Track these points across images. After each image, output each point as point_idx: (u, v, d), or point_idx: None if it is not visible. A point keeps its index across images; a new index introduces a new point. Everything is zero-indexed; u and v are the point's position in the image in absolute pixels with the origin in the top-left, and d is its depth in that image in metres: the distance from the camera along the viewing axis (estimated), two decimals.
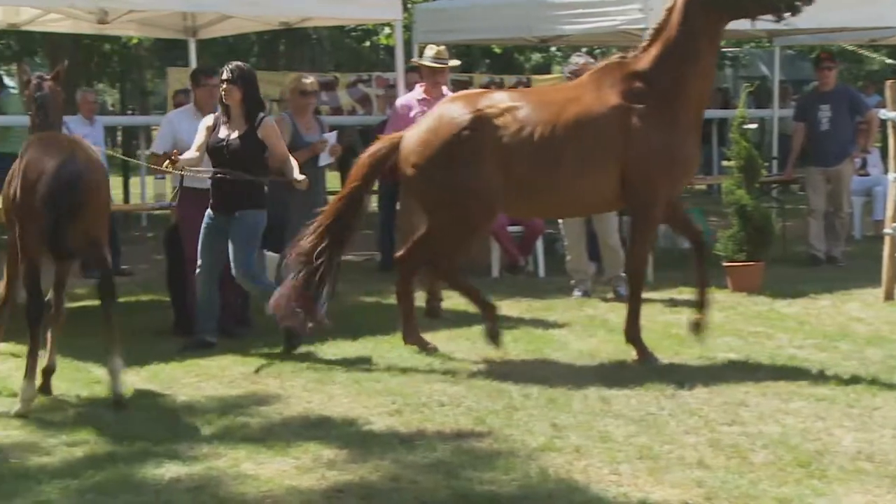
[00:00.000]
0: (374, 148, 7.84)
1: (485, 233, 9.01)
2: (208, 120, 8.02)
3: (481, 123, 7.45)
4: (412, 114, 9.13)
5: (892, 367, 7.12)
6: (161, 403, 6.63)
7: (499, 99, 7.63)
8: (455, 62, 9.50)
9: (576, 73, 9.97)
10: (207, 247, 8.03)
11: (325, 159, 8.86)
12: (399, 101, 9.42)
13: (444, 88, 9.35)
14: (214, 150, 7.92)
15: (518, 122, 7.42)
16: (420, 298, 9.27)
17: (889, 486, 5.01)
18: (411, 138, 7.65)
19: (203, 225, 8.04)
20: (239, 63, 7.97)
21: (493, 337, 7.62)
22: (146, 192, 15.70)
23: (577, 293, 10.01)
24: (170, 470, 5.37)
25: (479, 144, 7.42)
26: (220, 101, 7.92)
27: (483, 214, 7.65)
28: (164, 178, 10.68)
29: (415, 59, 9.32)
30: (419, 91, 9.25)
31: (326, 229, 7.64)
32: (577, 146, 7.36)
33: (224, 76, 7.85)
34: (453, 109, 7.59)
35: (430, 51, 9.25)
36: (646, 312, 9.09)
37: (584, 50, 12.84)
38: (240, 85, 7.80)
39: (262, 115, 7.92)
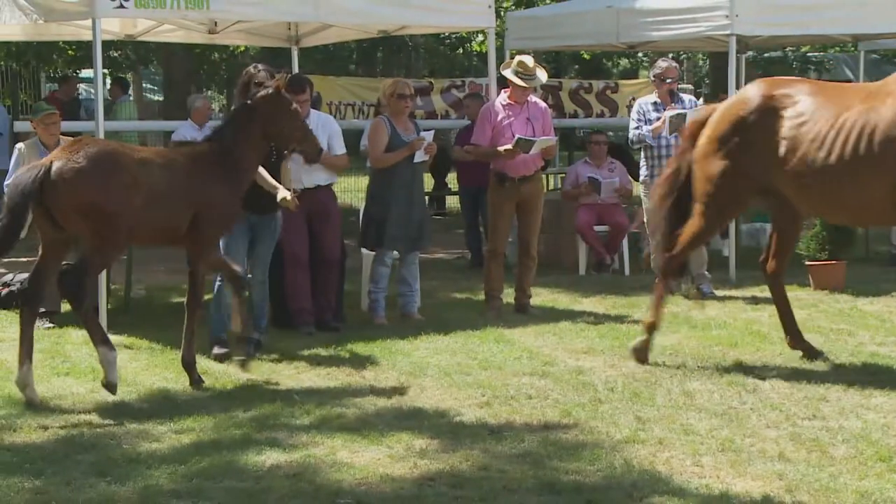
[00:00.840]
0: (696, 115, 7.56)
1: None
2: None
3: (767, 110, 6.89)
4: (498, 118, 9.08)
5: None
6: (262, 394, 6.70)
7: (797, 89, 6.96)
8: (542, 76, 9.27)
9: (660, 77, 9.87)
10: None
11: (419, 157, 8.87)
12: (486, 106, 9.40)
13: (532, 95, 9.27)
14: None
15: (802, 115, 6.78)
16: (509, 295, 9.27)
17: None
18: (717, 110, 7.21)
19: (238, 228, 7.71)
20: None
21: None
22: None
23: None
24: (270, 457, 5.42)
25: (760, 131, 6.87)
26: None
27: (735, 203, 7.22)
28: None
29: (503, 71, 9.22)
30: (504, 96, 9.20)
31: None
32: (854, 149, 6.62)
33: None
34: (750, 91, 7.13)
35: (518, 65, 9.01)
36: (728, 309, 9.02)
37: (670, 55, 12.69)
38: None
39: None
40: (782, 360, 7.20)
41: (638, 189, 12.41)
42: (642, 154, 10.01)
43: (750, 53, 16.32)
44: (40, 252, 6.65)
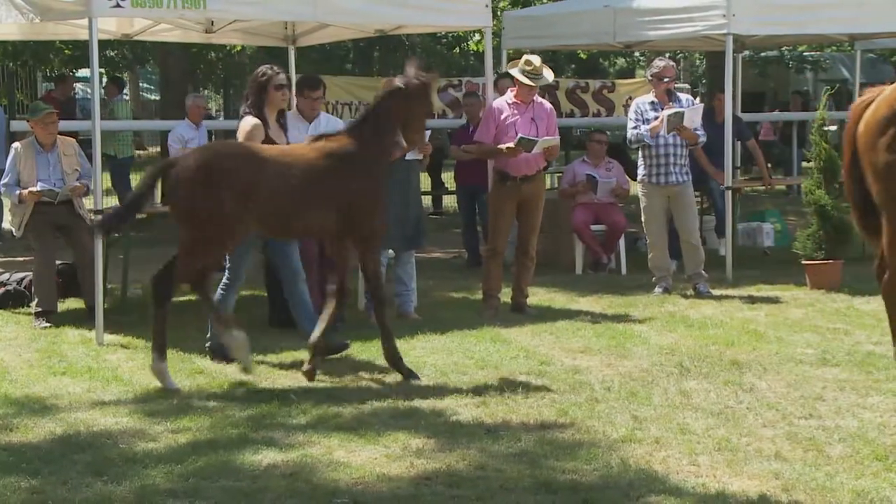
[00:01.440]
0: (862, 97, 7.00)
1: None
2: None
3: None
4: (502, 117, 9.10)
5: None
6: (259, 393, 6.70)
7: None
8: (549, 76, 9.27)
9: (657, 76, 9.87)
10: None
11: (412, 155, 8.87)
12: (491, 104, 9.41)
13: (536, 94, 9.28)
14: None
15: None
16: (505, 294, 9.27)
17: None
18: (883, 95, 6.61)
19: None
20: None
21: None
22: None
23: (658, 290, 9.91)
24: (267, 456, 5.42)
25: None
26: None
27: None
28: None
29: (510, 70, 9.23)
30: (510, 95, 9.22)
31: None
32: None
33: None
34: None
35: (526, 65, 9.05)
36: (724, 309, 9.03)
37: (667, 54, 12.69)
38: None
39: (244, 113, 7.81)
40: (779, 360, 7.20)
41: (635, 189, 12.43)
42: (640, 153, 10.01)
43: (747, 53, 16.35)
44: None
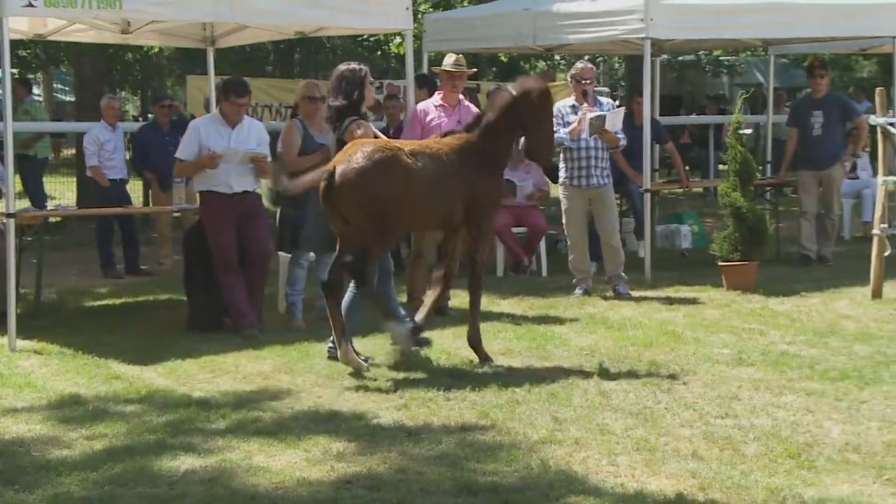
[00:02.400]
0: None
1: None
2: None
3: None
4: (428, 118, 9.11)
5: (879, 362, 7.10)
6: (177, 398, 6.62)
7: None
8: (472, 70, 9.50)
9: (576, 78, 9.96)
10: None
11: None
12: (418, 106, 9.42)
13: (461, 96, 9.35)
14: None
15: None
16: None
17: (875, 476, 4.99)
18: None
19: None
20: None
21: None
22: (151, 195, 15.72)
23: (578, 291, 9.99)
24: (185, 462, 5.36)
25: None
26: None
27: None
28: (181, 181, 10.69)
29: (436, 67, 9.32)
30: (437, 97, 9.24)
31: None
32: None
33: None
34: None
35: (450, 58, 9.26)
36: (643, 310, 9.13)
37: (586, 57, 12.79)
38: None
39: (350, 119, 7.59)
40: (696, 360, 7.30)
41: (556, 191, 12.51)
42: (561, 156, 10.08)
43: (664, 57, 16.56)
44: (338, 244, 7.18)
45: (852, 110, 12.21)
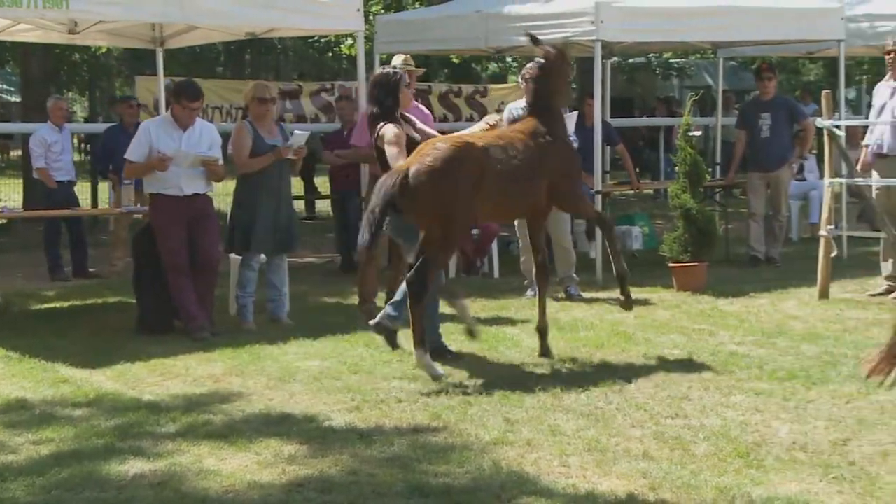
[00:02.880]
0: None
1: None
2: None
3: None
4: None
5: (826, 362, 7.18)
6: (126, 402, 6.56)
7: None
8: (420, 70, 9.52)
9: (525, 79, 9.97)
10: None
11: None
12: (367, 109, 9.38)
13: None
14: None
15: None
16: (379, 298, 9.26)
17: (821, 474, 5.05)
18: None
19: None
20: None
21: None
22: (113, 196, 15.59)
23: (529, 293, 10.01)
24: (133, 466, 5.31)
25: None
26: None
27: None
28: (130, 183, 10.60)
29: (385, 67, 9.28)
30: None
31: None
32: None
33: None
34: None
35: (399, 58, 9.25)
36: (594, 311, 9.18)
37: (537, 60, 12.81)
38: None
39: (381, 125, 7.54)
40: (647, 361, 7.35)
41: None
42: None
43: (615, 59, 16.66)
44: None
45: (799, 113, 12.35)
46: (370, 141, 9.05)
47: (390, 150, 7.30)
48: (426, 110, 9.55)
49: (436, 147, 6.98)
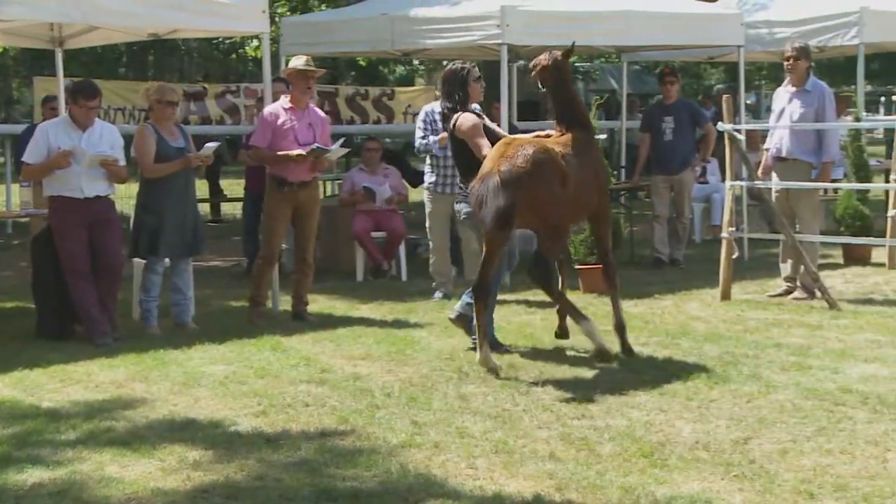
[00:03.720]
0: None
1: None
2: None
3: None
4: (280, 122, 9.04)
5: (728, 362, 7.32)
6: (25, 409, 6.42)
7: None
8: (322, 70, 9.49)
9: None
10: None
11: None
12: (266, 110, 9.33)
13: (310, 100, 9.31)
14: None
15: None
16: (286, 302, 9.22)
17: (723, 473, 5.15)
18: None
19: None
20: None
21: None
22: (11, 199, 15.26)
23: (437, 295, 10.05)
24: (32, 475, 5.20)
25: None
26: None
27: None
28: (29, 185, 10.36)
29: (284, 70, 9.23)
30: (285, 100, 9.17)
31: None
32: None
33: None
34: None
35: (300, 59, 9.19)
36: (502, 313, 9.21)
37: (444, 63, 12.89)
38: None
39: (456, 115, 7.76)
40: (553, 363, 7.42)
41: (414, 195, 12.57)
42: (427, 161, 10.12)
43: (521, 62, 16.78)
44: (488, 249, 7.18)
45: (701, 116, 12.59)
46: (270, 141, 9.03)
47: (474, 140, 7.59)
48: (321, 112, 9.52)
49: (523, 149, 7.06)
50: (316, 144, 8.94)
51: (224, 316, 9.44)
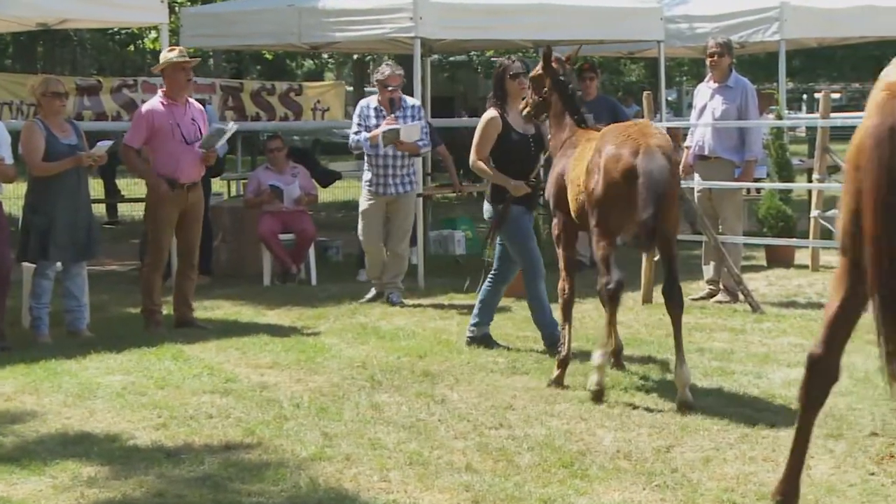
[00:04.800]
0: None
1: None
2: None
3: None
4: (159, 121, 8.87)
5: (649, 367, 7.42)
6: None
7: None
8: (196, 59, 9.42)
9: (382, 83, 9.96)
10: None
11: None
12: (144, 107, 9.22)
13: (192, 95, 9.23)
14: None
15: None
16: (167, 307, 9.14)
17: (644, 482, 5.21)
18: None
19: (523, 224, 8.18)
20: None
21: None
22: None
23: (368, 295, 10.07)
24: None
25: None
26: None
27: None
28: None
29: (155, 66, 9.12)
30: (161, 95, 9.04)
31: None
32: None
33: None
34: None
35: (173, 51, 9.07)
36: (417, 318, 9.25)
37: (355, 56, 12.89)
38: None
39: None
40: (470, 370, 7.44)
41: (332, 195, 12.52)
42: (365, 158, 10.13)
43: (435, 57, 16.84)
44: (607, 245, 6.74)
45: (621, 113, 12.71)
46: (143, 141, 8.93)
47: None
48: (199, 106, 9.43)
49: (653, 136, 6.77)
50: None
51: (121, 323, 9.30)
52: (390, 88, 9.92)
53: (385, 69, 10.08)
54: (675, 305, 6.76)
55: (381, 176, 9.98)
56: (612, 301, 6.81)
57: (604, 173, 6.68)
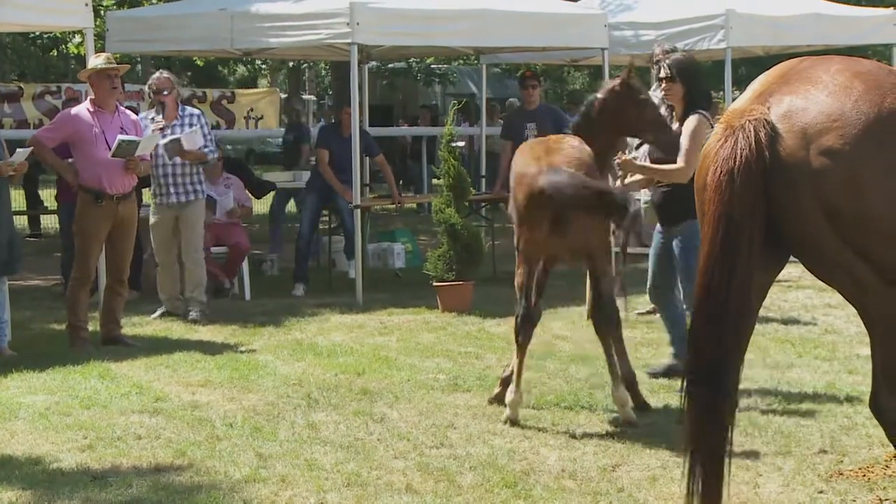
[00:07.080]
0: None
1: None
2: None
3: None
4: (83, 129, 8.79)
5: (595, 384, 7.46)
6: None
7: None
8: (125, 66, 9.35)
9: (153, 90, 10.01)
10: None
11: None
12: (72, 110, 9.15)
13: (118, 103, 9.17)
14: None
15: None
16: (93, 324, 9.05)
17: (590, 502, 5.25)
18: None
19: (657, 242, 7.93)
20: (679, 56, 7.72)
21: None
22: None
23: (156, 314, 10.03)
24: None
25: None
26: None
27: None
28: None
29: (81, 72, 9.04)
30: (89, 103, 8.98)
31: None
32: None
33: (663, 74, 7.52)
34: None
35: (99, 57, 9.02)
36: (355, 335, 9.23)
37: (290, 63, 12.86)
38: (681, 81, 7.42)
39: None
40: (410, 387, 7.44)
41: (266, 206, 12.46)
42: (152, 171, 9.99)
43: (373, 64, 16.86)
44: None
45: (565, 122, 12.76)
46: (74, 147, 8.86)
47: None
48: (133, 116, 9.38)
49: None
50: (120, 138, 8.75)
51: (45, 340, 9.20)
52: (163, 93, 9.88)
53: (154, 76, 10.24)
54: (602, 327, 6.77)
55: (164, 185, 9.97)
56: (519, 333, 6.76)
57: (512, 197, 6.70)
